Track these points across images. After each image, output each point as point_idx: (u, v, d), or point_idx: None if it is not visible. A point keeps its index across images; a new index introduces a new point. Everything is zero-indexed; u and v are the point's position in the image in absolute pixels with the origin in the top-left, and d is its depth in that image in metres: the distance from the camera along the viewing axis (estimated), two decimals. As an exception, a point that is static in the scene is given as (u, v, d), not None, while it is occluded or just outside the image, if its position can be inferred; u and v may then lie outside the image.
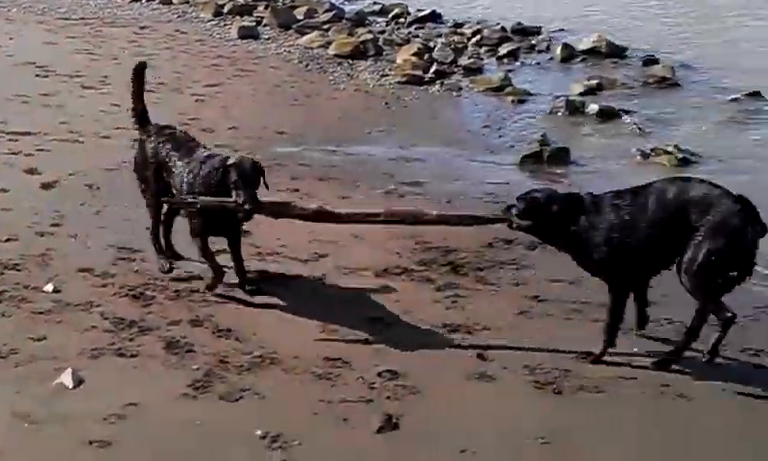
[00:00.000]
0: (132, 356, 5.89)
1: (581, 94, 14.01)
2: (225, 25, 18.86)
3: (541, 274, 7.46)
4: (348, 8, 20.03)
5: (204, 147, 7.04)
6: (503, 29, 18.25)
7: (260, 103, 13.21)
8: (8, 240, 7.56)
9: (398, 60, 15.93)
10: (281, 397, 5.52)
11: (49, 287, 6.73)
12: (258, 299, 6.81)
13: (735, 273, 5.78)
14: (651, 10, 20.57)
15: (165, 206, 7.13)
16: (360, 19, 19.33)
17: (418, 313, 6.65)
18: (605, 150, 11.66)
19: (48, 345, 5.96)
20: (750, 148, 11.62)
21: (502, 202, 9.10)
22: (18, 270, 7.02)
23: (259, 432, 5.10)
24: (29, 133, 10.62)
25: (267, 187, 6.64)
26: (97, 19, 18.89)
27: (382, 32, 18.50)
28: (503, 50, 16.98)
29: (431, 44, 16.96)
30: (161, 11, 20.38)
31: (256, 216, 6.67)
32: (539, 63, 16.57)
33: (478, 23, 18.84)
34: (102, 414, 5.21)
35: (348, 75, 15.39)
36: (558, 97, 13.67)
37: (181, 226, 7.13)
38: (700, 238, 5.72)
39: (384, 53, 16.69)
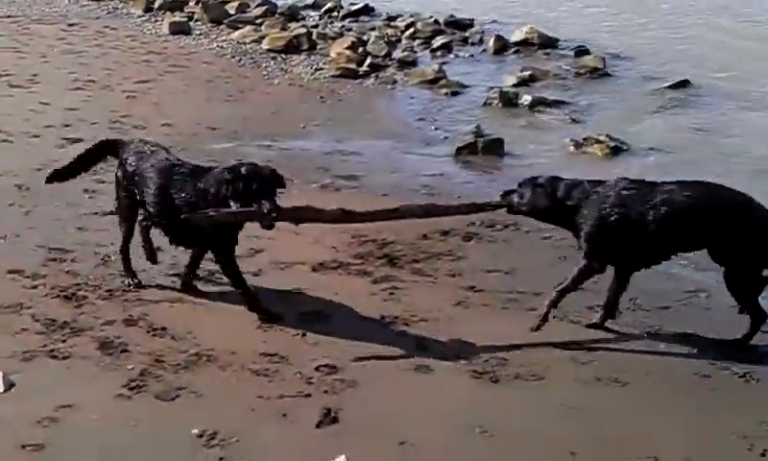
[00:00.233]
0: (65, 358, 5.80)
1: (514, 85, 14.12)
2: (156, 21, 18.67)
3: (477, 264, 7.52)
4: (280, 2, 19.90)
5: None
6: (436, 22, 18.30)
7: (193, 99, 13.10)
8: (-66, 243, 7.41)
9: (332, 54, 15.91)
10: (218, 394, 5.48)
11: (-23, 290, 6.59)
12: (194, 296, 6.76)
13: None
14: (581, 1, 20.80)
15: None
16: (293, 13, 19.24)
17: (355, 306, 6.65)
18: (538, 140, 11.77)
19: (-22, 349, 5.83)
20: (678, 135, 11.82)
21: (437, 193, 9.31)
22: (-55, 273, 6.88)
23: (196, 431, 5.05)
24: (-45, 134, 10.42)
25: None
26: (24, 16, 18.56)
27: (315, 26, 18.44)
28: (437, 43, 17.03)
29: (365, 38, 16.94)
30: (90, 7, 20.09)
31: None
32: (472, 56, 16.64)
33: (411, 16, 18.84)
34: (35, 417, 5.12)
35: (282, 69, 15.32)
36: (491, 89, 13.74)
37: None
38: None
39: (318, 47, 16.65)
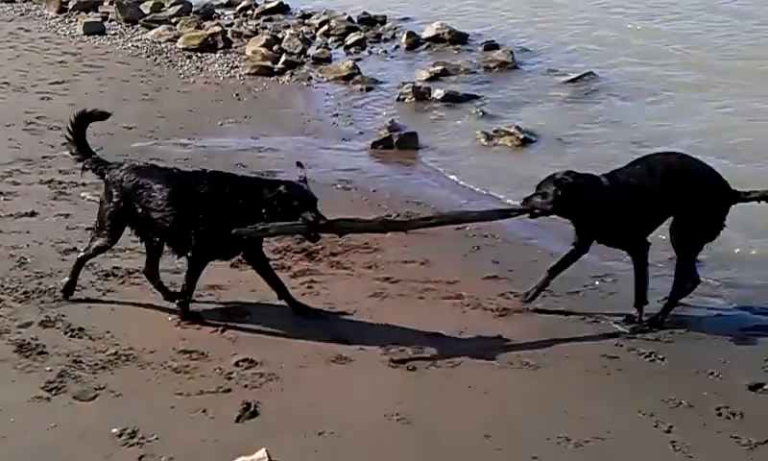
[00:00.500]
0: (-18, 362, 5.74)
1: (427, 80, 14.31)
2: (70, 22, 18.50)
3: (393, 256, 7.64)
4: (195, 1, 19.79)
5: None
6: (350, 19, 18.39)
7: (110, 99, 12.91)
8: None
9: (248, 52, 15.95)
10: (137, 393, 5.50)
11: None
12: (111, 296, 6.75)
13: None
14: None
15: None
16: (208, 12, 19.18)
17: (274, 301, 6.69)
18: (451, 133, 11.97)
19: None
20: (585, 125, 12.11)
21: (353, 188, 9.42)
22: None
23: (116, 430, 5.07)
24: None
25: None
26: (-68, 19, 18.17)
27: (230, 24, 18.41)
28: (350, 39, 17.13)
29: (280, 35, 16.98)
30: (3, 8, 19.84)
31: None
32: (385, 52, 16.79)
33: (325, 13, 18.92)
34: (-49, 422, 5.08)
35: (198, 68, 15.28)
36: (405, 84, 13.90)
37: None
38: None
39: (233, 45, 16.70)
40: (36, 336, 6.06)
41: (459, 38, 16.90)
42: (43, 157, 9.96)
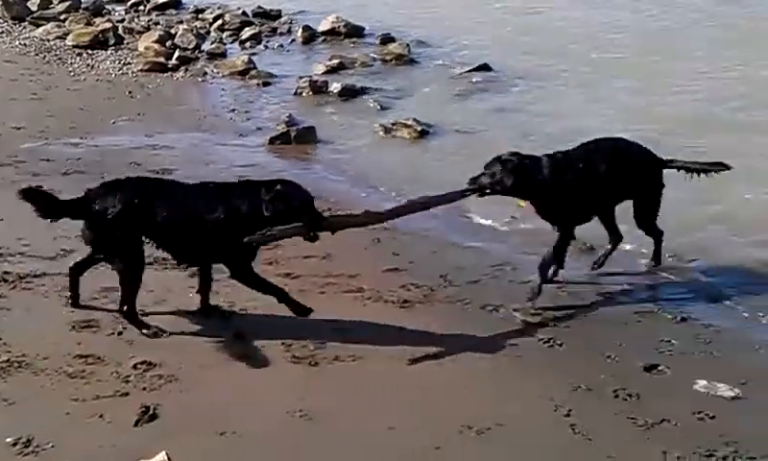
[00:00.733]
0: None
1: (324, 74, 14.29)
2: (-47, 21, 17.83)
3: (293, 251, 7.58)
4: (84, -4, 19.36)
5: None
6: (244, 13, 18.26)
7: (-4, 98, 12.61)
8: None
9: (140, 48, 15.69)
10: (32, 400, 5.35)
11: None
12: (2, 302, 6.52)
13: None
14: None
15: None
16: (98, 8, 18.76)
17: (172, 301, 6.61)
18: (350, 126, 11.97)
19: None
20: (480, 116, 12.25)
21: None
22: None
23: (10, 439, 4.93)
24: None
25: None
26: None
27: (122, 20, 18.07)
28: (246, 34, 16.98)
29: (173, 31, 16.72)
30: None
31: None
32: (281, 46, 16.70)
33: (219, 8, 18.73)
34: None
35: (89, 65, 14.95)
36: (302, 78, 13.85)
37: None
38: None
39: (125, 41, 16.38)
40: (-76, 347, 5.84)
41: (355, 32, 16.92)
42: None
